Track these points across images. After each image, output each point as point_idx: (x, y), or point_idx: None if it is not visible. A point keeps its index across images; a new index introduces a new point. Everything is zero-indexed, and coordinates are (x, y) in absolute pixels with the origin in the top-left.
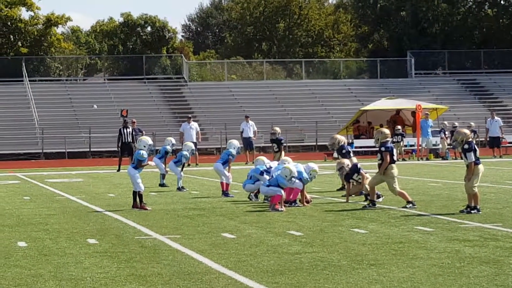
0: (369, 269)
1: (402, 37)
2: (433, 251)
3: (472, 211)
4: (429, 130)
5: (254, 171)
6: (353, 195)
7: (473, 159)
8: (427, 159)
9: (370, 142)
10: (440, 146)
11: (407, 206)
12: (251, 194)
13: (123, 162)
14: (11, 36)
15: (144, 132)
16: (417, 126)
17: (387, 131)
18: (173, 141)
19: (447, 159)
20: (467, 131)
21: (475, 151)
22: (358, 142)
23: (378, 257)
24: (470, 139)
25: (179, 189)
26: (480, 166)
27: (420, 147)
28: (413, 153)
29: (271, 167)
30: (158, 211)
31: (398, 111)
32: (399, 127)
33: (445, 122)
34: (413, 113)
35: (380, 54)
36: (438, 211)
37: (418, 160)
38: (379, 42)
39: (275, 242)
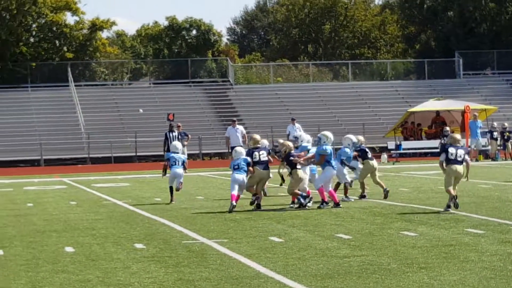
0: (419, 273)
1: (449, 37)
2: (484, 253)
3: None
4: (478, 131)
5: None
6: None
7: None
8: (477, 161)
9: (419, 144)
10: (490, 147)
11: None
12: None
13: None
14: (57, 41)
15: (189, 136)
16: (466, 127)
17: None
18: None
19: (497, 160)
20: None
21: None
22: (406, 144)
23: (429, 260)
24: None
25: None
26: None
27: (469, 149)
28: None
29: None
30: (205, 214)
31: (438, 112)
32: (448, 128)
33: (495, 123)
34: (462, 114)
35: (427, 55)
36: (489, 213)
37: None
38: (426, 42)
39: (323, 246)
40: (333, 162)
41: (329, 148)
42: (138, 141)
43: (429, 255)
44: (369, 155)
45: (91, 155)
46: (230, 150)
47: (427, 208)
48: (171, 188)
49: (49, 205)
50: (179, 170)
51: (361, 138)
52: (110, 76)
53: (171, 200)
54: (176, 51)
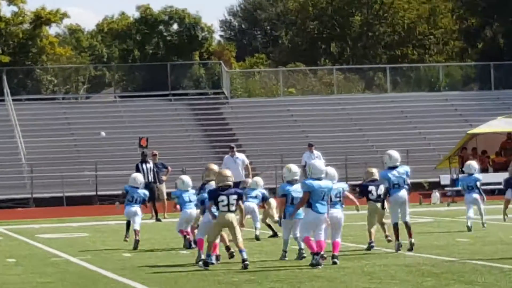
0: None
1: None
2: None
3: None
4: None
5: None
6: None
7: None
8: None
9: (484, 177)
10: None
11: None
12: None
13: (143, 209)
14: None
15: (170, 168)
16: None
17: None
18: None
19: None
20: None
21: None
22: None
23: None
24: None
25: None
26: None
27: None
28: None
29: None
30: (192, 275)
31: (509, 134)
32: None
33: None
34: None
35: (494, 57)
36: None
37: None
38: (493, 39)
39: None
40: (320, 203)
41: (315, 184)
42: (99, 175)
43: None
44: (373, 194)
45: (35, 195)
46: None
47: (495, 265)
48: (128, 222)
49: None
50: (135, 208)
51: (374, 170)
52: (60, 88)
53: (126, 237)
54: (151, 53)
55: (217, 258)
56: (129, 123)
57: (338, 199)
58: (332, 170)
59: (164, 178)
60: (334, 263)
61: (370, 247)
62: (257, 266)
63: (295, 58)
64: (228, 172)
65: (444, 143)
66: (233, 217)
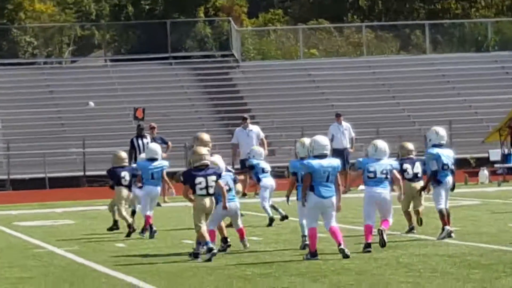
0: None
1: None
2: None
3: None
4: None
5: None
6: None
7: None
8: None
9: None
10: None
11: None
12: None
13: None
14: None
15: (170, 143)
16: None
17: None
18: None
19: None
20: None
21: None
22: None
23: None
24: None
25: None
26: None
27: None
28: None
29: None
30: (197, 269)
31: None
32: None
33: None
34: None
35: None
36: None
37: None
38: None
39: None
40: (324, 186)
41: (315, 163)
42: (88, 152)
43: None
44: (408, 173)
45: (12, 176)
46: (241, 165)
47: None
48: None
49: None
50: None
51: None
52: (41, 50)
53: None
54: (148, 9)
55: (227, 244)
56: (122, 91)
57: (384, 175)
58: (382, 144)
59: (163, 155)
60: (381, 236)
61: (410, 230)
62: (274, 257)
63: (318, 14)
64: (203, 150)
65: (493, 112)
66: (212, 203)
